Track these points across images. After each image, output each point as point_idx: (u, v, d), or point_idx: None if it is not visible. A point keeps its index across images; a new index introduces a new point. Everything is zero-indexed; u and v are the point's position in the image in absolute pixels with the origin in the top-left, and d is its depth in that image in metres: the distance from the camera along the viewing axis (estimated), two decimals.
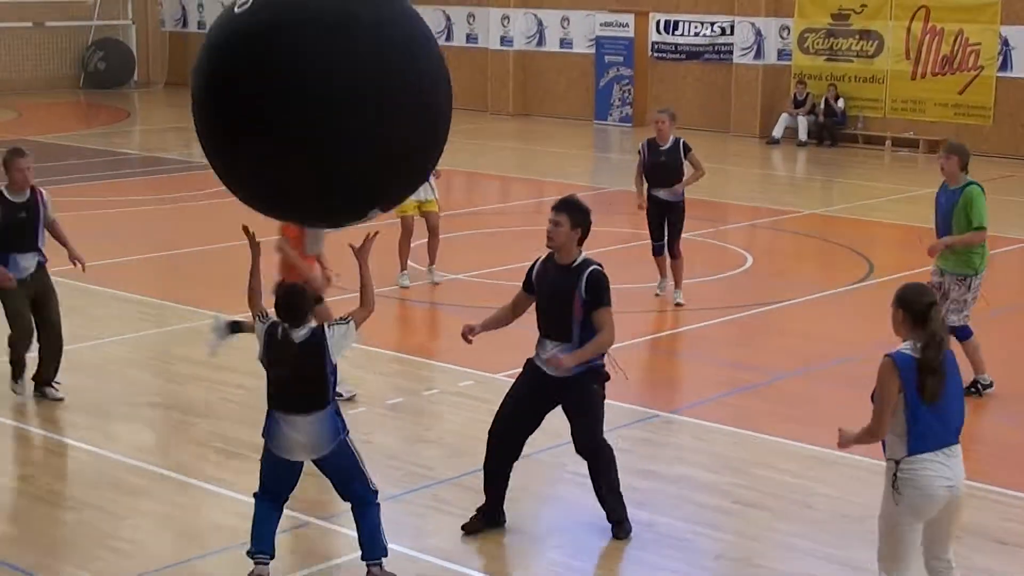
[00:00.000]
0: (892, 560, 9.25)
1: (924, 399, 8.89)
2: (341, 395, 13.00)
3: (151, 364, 16.63)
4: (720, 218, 25.66)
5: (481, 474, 11.40)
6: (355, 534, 10.31)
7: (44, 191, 14.49)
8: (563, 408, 11.20)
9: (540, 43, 42.22)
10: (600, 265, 11.00)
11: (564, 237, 10.93)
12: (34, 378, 14.70)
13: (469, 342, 11.51)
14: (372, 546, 10.26)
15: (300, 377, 10.06)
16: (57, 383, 14.71)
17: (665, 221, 18.66)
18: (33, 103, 42.67)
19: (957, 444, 9.09)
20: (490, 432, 11.34)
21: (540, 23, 42.12)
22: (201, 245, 22.20)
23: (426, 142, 9.43)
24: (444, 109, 9.61)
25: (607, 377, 11.21)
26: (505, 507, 11.44)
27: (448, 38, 43.45)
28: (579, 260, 10.99)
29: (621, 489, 11.33)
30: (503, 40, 42.39)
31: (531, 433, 11.38)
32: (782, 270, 22.48)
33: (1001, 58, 34.59)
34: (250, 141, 8.93)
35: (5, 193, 14.03)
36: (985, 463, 13.34)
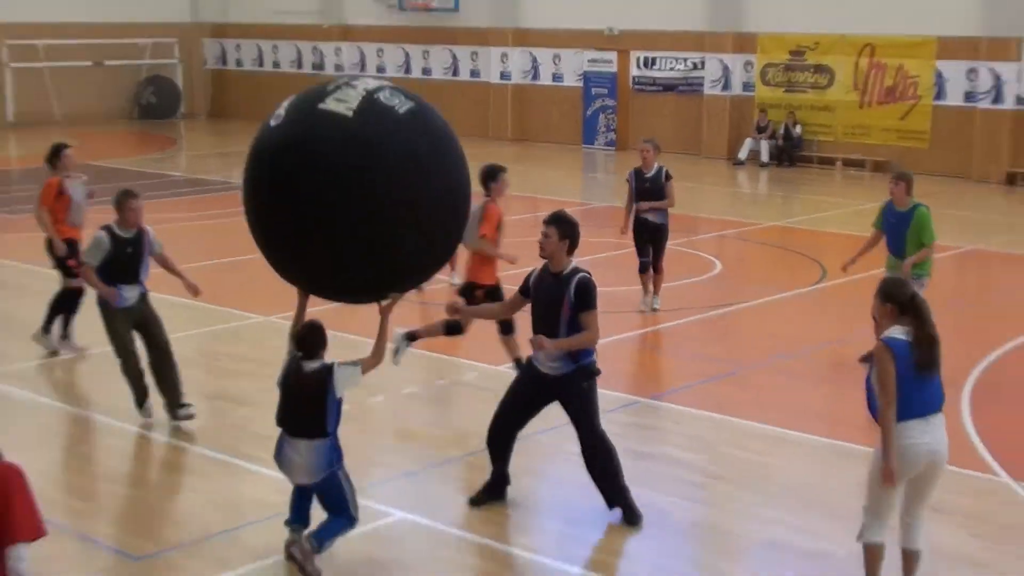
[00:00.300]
0: (873, 514, 9.49)
1: (920, 370, 9.26)
2: None
3: (199, 360, 16.67)
4: (693, 230, 25.71)
5: (485, 454, 11.46)
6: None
7: (150, 229, 13.90)
8: (562, 407, 11.21)
9: (535, 78, 42.23)
10: (588, 273, 11.03)
11: (553, 247, 10.94)
12: (165, 408, 13.79)
13: (454, 317, 11.63)
14: (319, 534, 10.15)
15: (304, 405, 10.00)
16: (185, 403, 13.78)
17: (651, 241, 18.65)
18: (94, 132, 42.61)
19: (939, 414, 9.41)
20: (493, 417, 11.41)
21: (535, 60, 42.13)
22: (239, 256, 22.19)
23: (444, 248, 9.85)
24: (462, 213, 9.82)
25: (597, 373, 11.18)
26: (519, 491, 11.51)
27: (455, 73, 43.50)
28: (569, 269, 10.97)
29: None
30: (502, 75, 42.42)
31: (527, 421, 11.41)
32: (748, 275, 22.55)
33: (936, 89, 34.62)
34: (285, 238, 9.38)
35: (115, 229, 13.46)
36: None
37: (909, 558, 9.68)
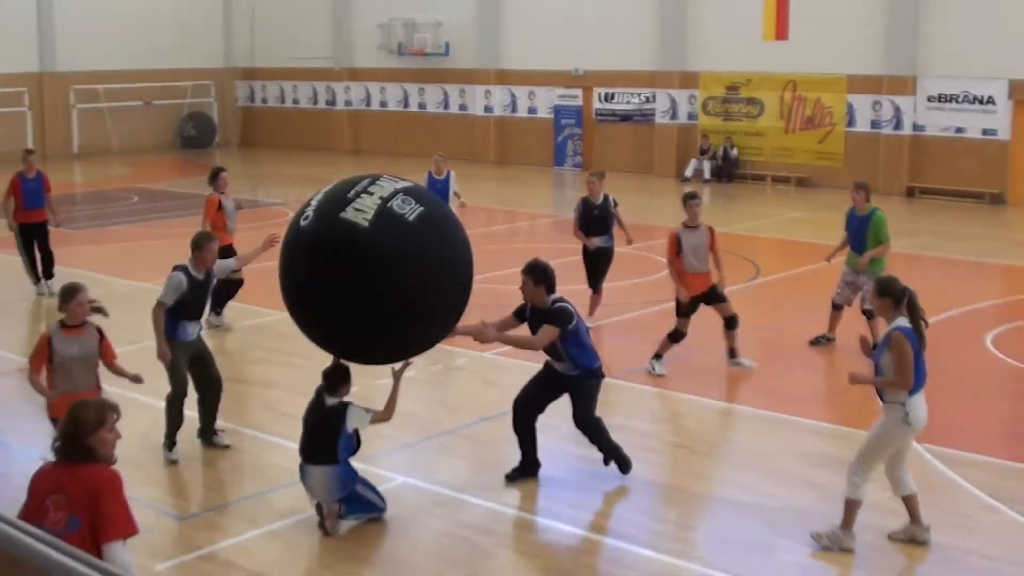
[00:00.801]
0: (867, 467, 9.66)
1: (923, 347, 9.43)
2: None
3: (230, 350, 16.59)
4: (647, 236, 25.59)
5: (474, 427, 11.39)
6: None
7: (215, 267, 12.59)
8: (569, 396, 11.23)
9: (514, 110, 42.13)
10: (565, 302, 11.03)
11: (531, 292, 10.99)
12: (199, 433, 12.48)
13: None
14: (351, 504, 10.15)
15: (320, 434, 9.94)
16: (219, 430, 12.55)
17: (598, 264, 17.89)
18: (144, 160, 42.60)
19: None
20: (514, 408, 11.33)
21: (513, 96, 42.04)
22: (265, 262, 22.09)
23: (443, 329, 9.86)
24: (461, 300, 9.87)
25: (602, 376, 11.29)
26: (503, 458, 11.44)
27: (446, 107, 43.38)
28: (551, 303, 11.00)
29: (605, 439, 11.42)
30: (486, 108, 42.30)
31: (542, 409, 11.36)
32: None
33: (848, 118, 34.65)
34: (305, 319, 9.50)
35: (190, 270, 12.09)
36: (853, 411, 13.37)
37: (912, 500, 9.86)
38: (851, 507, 9.70)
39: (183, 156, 45.20)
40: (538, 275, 10.98)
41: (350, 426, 10.02)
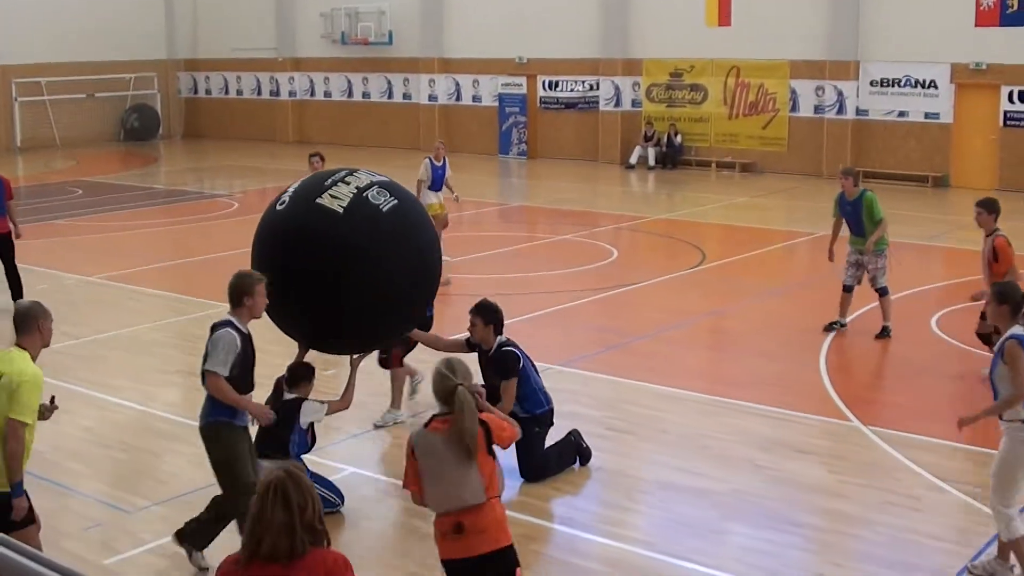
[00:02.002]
0: (1007, 496, 8.63)
1: None
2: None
3: (177, 343, 16.50)
4: (592, 223, 25.69)
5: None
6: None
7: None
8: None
9: (458, 99, 42.05)
10: (512, 346, 11.05)
11: (481, 333, 10.99)
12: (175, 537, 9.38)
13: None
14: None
15: (275, 427, 9.73)
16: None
17: None
18: (88, 153, 42.26)
19: None
20: None
21: (458, 84, 41.96)
22: (211, 254, 22.05)
23: (407, 318, 10.30)
24: (429, 289, 10.26)
25: (550, 423, 11.25)
26: None
27: (390, 96, 43.25)
28: (495, 347, 11.00)
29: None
30: (430, 97, 42.16)
31: None
32: (639, 260, 22.55)
33: (791, 103, 34.82)
34: (274, 301, 9.27)
35: (238, 325, 8.97)
36: (798, 395, 13.47)
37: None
38: (1008, 548, 8.80)
39: (127, 148, 44.89)
40: (488, 315, 10.96)
41: (304, 420, 9.97)
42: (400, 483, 10.83)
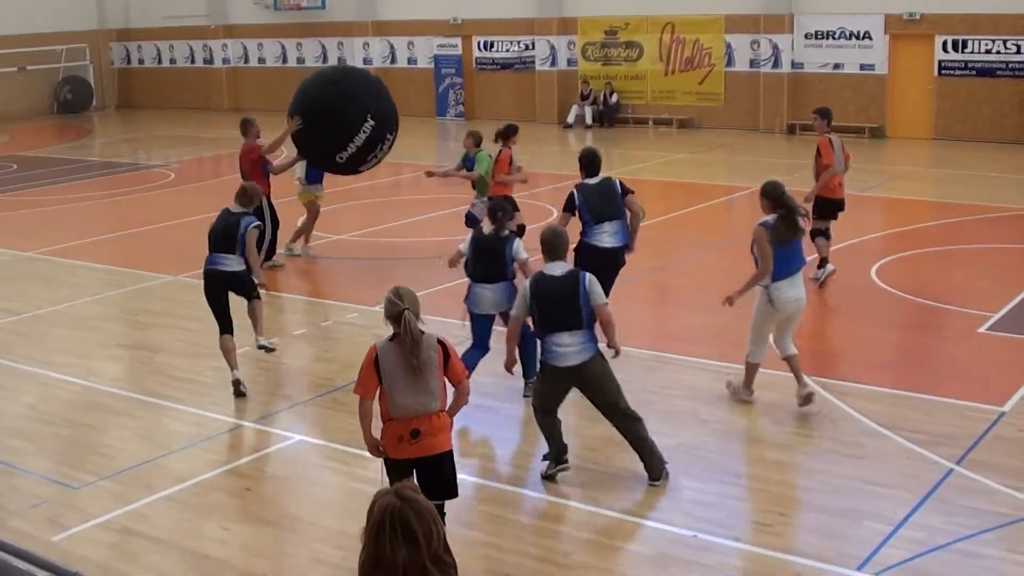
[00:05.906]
0: (755, 342, 11.66)
1: (778, 239, 11.17)
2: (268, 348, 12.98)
3: (118, 316, 16.37)
4: (533, 184, 25.66)
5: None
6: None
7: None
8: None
9: (393, 61, 41.86)
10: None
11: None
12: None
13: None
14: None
15: (494, 261, 12.84)
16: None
17: None
18: (20, 127, 41.75)
19: (798, 275, 11.41)
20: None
21: (392, 47, 41.77)
22: (147, 226, 21.86)
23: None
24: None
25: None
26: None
27: (324, 61, 42.84)
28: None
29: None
30: (365, 61, 41.88)
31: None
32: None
33: (727, 58, 34.95)
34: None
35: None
36: (741, 348, 13.57)
37: (793, 360, 11.54)
38: (752, 370, 11.84)
39: (61, 121, 44.38)
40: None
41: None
42: (349, 449, 10.90)
